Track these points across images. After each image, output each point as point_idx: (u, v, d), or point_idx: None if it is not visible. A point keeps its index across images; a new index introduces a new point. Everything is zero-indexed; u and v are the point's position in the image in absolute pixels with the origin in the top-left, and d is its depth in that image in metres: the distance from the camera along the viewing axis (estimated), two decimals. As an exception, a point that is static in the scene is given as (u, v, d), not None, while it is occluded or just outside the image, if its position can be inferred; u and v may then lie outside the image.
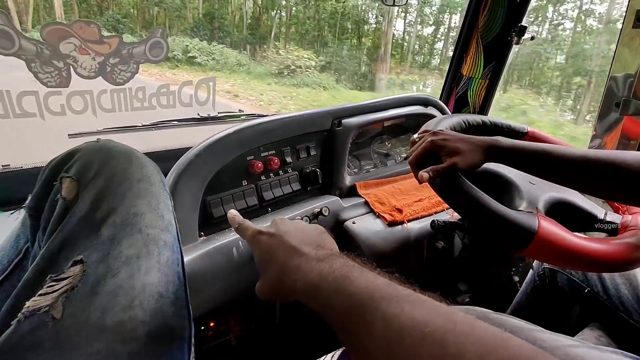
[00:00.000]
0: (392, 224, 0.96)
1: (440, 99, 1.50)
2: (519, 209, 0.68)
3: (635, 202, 0.66)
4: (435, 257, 1.01)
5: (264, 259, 0.51)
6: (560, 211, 0.74)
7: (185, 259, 0.74)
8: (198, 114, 1.28)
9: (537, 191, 0.75)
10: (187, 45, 8.38)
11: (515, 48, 1.32)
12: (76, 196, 0.51)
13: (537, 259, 0.98)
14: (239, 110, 1.37)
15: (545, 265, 1.01)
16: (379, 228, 0.95)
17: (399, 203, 1.01)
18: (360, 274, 0.39)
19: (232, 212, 0.60)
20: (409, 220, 0.97)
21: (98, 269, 0.45)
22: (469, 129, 0.84)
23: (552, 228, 0.61)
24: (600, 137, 1.15)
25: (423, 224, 0.97)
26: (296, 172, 0.99)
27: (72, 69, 0.97)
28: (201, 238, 0.82)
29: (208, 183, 0.82)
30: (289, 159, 0.96)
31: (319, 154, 1.03)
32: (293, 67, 8.54)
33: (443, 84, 1.49)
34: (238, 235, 0.81)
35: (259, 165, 0.90)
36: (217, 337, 0.90)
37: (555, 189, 0.76)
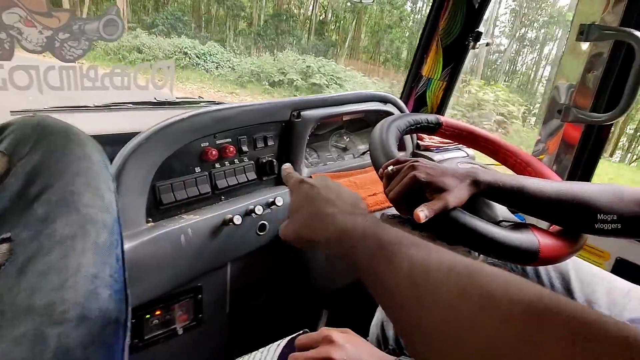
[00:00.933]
0: (345, 216, 0.98)
1: (400, 97, 1.54)
2: (499, 219, 0.69)
3: (602, 235, 0.69)
4: None
5: (299, 205, 0.54)
6: None
7: (130, 245, 0.73)
8: (155, 98, 1.25)
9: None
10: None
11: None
12: (7, 171, 0.49)
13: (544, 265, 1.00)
14: (199, 97, 1.34)
15: None
16: (332, 220, 0.97)
17: (353, 196, 1.03)
18: (391, 228, 0.42)
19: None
20: (361, 214, 0.99)
21: (28, 248, 0.43)
22: (403, 132, 0.90)
23: (550, 242, 0.63)
24: (544, 142, 1.22)
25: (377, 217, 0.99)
26: (252, 162, 0.98)
27: (15, 41, 0.91)
28: (148, 224, 0.80)
29: (158, 168, 0.80)
30: (245, 148, 0.96)
31: (276, 144, 1.03)
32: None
33: (404, 83, 1.52)
34: (187, 223, 0.81)
35: (214, 152, 0.89)
36: (162, 326, 0.89)
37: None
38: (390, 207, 1.03)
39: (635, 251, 1.08)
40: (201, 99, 1.31)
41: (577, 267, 0.89)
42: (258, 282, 1.10)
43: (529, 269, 0.94)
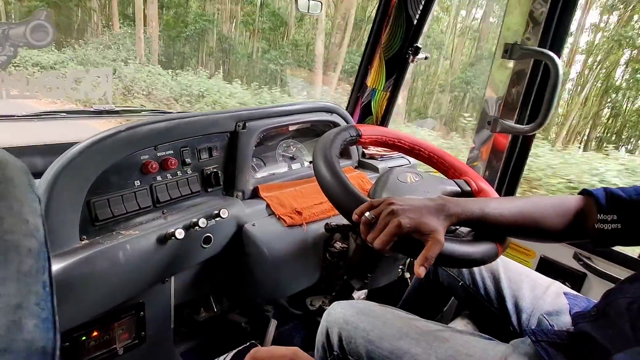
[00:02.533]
0: (291, 226, 0.99)
1: (347, 107, 1.58)
2: (463, 235, 0.78)
3: (548, 241, 0.80)
4: (333, 257, 1.06)
5: None
6: None
7: (61, 265, 0.69)
8: (92, 107, 1.19)
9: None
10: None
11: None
12: None
13: None
14: (141, 105, 1.30)
15: None
16: (278, 230, 0.98)
17: (300, 205, 1.05)
18: None
19: None
20: (307, 223, 1.01)
21: None
22: (344, 144, 0.94)
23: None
24: (478, 149, 1.31)
25: (321, 226, 1.02)
26: (196, 173, 0.97)
27: None
28: (82, 242, 0.76)
29: (93, 183, 0.77)
30: (188, 160, 0.94)
31: (221, 155, 1.02)
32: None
33: (350, 93, 1.57)
34: (126, 239, 0.78)
35: (154, 165, 0.87)
36: (100, 347, 0.85)
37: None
38: (335, 215, 1.06)
39: (556, 250, 1.20)
40: (143, 108, 1.27)
41: (506, 266, 0.97)
42: (204, 296, 1.08)
43: (465, 271, 1.01)
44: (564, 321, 0.82)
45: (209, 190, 0.99)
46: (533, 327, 0.83)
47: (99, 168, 0.77)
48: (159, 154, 0.89)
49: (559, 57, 1.05)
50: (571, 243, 1.16)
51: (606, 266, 1.11)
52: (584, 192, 0.73)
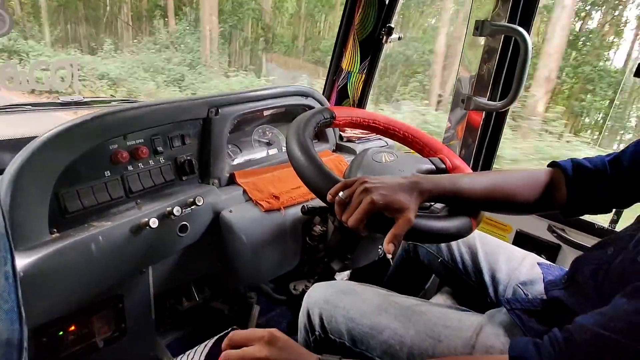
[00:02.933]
0: (269, 210, 0.99)
1: (323, 91, 1.57)
2: (438, 212, 0.77)
3: (520, 213, 0.80)
4: (312, 240, 1.07)
5: None
6: None
7: (31, 259, 0.68)
8: (59, 98, 1.15)
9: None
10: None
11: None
12: None
13: None
14: (111, 95, 1.27)
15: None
16: (255, 215, 0.97)
17: (277, 190, 1.05)
18: None
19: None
20: (285, 207, 1.01)
21: None
22: (314, 133, 0.91)
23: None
24: (453, 128, 1.33)
25: (299, 210, 1.01)
26: (169, 162, 0.95)
27: None
28: (53, 235, 0.74)
29: (61, 174, 0.75)
30: (160, 148, 0.92)
31: (195, 142, 1.00)
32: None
33: (326, 76, 1.56)
34: (98, 230, 0.77)
35: (125, 155, 0.85)
36: (80, 341, 0.84)
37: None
38: (313, 198, 1.06)
39: (531, 224, 1.23)
40: (113, 98, 1.24)
41: (483, 241, 0.99)
42: (185, 285, 1.08)
43: (444, 247, 1.03)
44: (538, 290, 0.85)
45: (184, 178, 0.98)
46: (509, 297, 0.86)
47: (66, 159, 0.75)
48: (129, 143, 0.87)
49: (529, 33, 1.06)
50: (545, 215, 1.20)
51: (578, 236, 1.15)
52: (553, 164, 0.74)
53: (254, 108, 1.09)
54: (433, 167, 0.92)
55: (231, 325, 0.82)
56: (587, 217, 1.14)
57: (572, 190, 0.70)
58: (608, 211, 0.73)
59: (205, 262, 1.06)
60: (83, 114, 0.82)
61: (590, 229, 1.12)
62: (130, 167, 0.88)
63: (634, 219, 0.65)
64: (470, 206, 0.74)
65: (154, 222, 0.81)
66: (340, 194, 0.66)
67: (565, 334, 0.45)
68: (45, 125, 1.15)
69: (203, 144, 1.01)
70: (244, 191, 1.03)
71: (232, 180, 1.06)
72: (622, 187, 0.68)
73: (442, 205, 0.83)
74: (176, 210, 0.86)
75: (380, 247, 1.14)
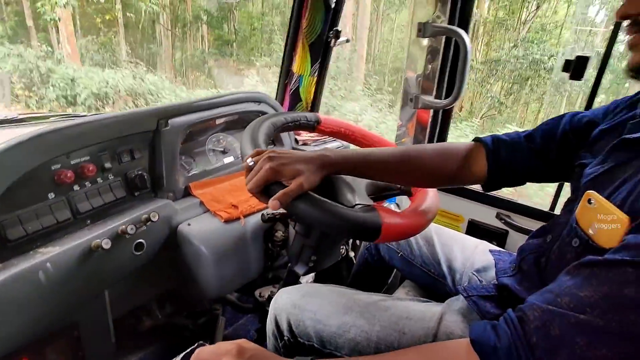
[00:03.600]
0: (228, 221, 0.98)
1: (276, 95, 1.57)
2: (357, 202, 0.74)
3: (436, 185, 0.83)
4: (275, 246, 1.07)
5: None
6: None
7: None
8: (-11, 117, 1.07)
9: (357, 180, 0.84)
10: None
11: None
12: None
13: (387, 242, 1.10)
14: (50, 110, 1.19)
15: None
16: (215, 227, 0.96)
17: (235, 199, 1.04)
18: None
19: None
20: (245, 216, 1.00)
21: None
22: (279, 129, 0.90)
23: (391, 218, 0.68)
24: (405, 126, 1.38)
25: (259, 218, 1.01)
26: (119, 178, 0.91)
27: None
28: None
29: None
30: (108, 165, 0.88)
31: (146, 156, 0.97)
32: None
33: (278, 81, 1.56)
34: (45, 257, 0.72)
35: (69, 174, 0.80)
36: (32, 376, 0.79)
37: None
38: (272, 205, 1.06)
39: (481, 213, 1.30)
40: (52, 113, 1.16)
41: (438, 232, 1.04)
42: (145, 304, 1.04)
43: (403, 242, 1.06)
44: (491, 275, 0.90)
45: (136, 194, 0.94)
46: (465, 285, 0.90)
47: (3, 184, 0.70)
48: (73, 162, 0.83)
49: (467, 33, 1.12)
50: (492, 204, 1.27)
51: (523, 221, 1.23)
52: (475, 140, 0.80)
53: (205, 117, 1.07)
54: None
55: (197, 340, 0.80)
56: (529, 203, 1.23)
57: (492, 162, 0.76)
58: (523, 183, 0.80)
59: (165, 278, 1.03)
60: (19, 132, 0.77)
61: (533, 213, 1.21)
62: (76, 187, 0.83)
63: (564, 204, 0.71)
64: (383, 177, 0.76)
65: (106, 243, 0.78)
66: (249, 160, 0.68)
67: (518, 313, 0.48)
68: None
69: (154, 157, 0.98)
70: (201, 203, 1.01)
71: (188, 193, 1.04)
72: (535, 162, 0.75)
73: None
74: (130, 229, 0.82)
75: (342, 247, 1.16)
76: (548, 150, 0.74)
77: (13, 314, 0.69)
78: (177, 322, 1.16)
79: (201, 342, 0.79)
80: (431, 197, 0.81)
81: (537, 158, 0.75)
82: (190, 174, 1.10)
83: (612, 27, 1.00)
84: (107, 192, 0.88)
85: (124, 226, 0.82)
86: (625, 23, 0.50)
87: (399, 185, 0.91)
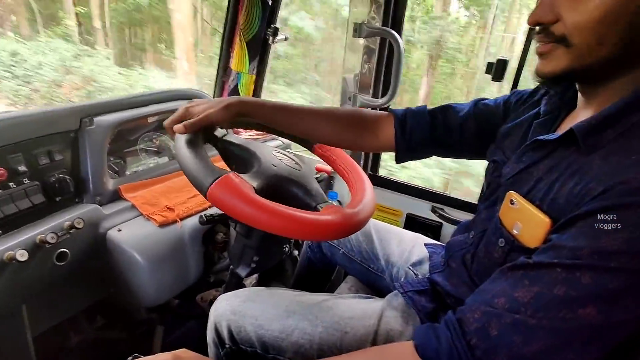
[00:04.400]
0: (163, 224, 0.93)
1: (214, 92, 1.52)
2: (314, 204, 0.75)
3: (343, 146, 0.88)
4: (215, 249, 1.03)
5: None
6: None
7: None
8: None
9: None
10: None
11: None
12: None
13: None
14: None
15: None
16: (149, 231, 0.91)
17: (171, 202, 0.99)
18: None
19: None
20: (182, 218, 0.96)
21: None
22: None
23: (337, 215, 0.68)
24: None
25: (197, 220, 0.97)
26: (37, 183, 0.83)
27: None
28: None
29: None
30: (22, 168, 0.80)
31: (68, 158, 0.89)
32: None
33: (215, 77, 1.51)
34: None
35: None
36: None
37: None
38: (211, 206, 1.03)
39: (418, 207, 1.36)
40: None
41: (376, 228, 1.06)
42: (70, 318, 0.95)
43: (344, 239, 1.08)
44: (426, 269, 0.93)
45: (57, 199, 0.86)
46: (401, 280, 0.93)
47: None
48: None
49: (400, 35, 1.16)
50: (428, 198, 1.34)
51: (455, 213, 1.31)
52: (389, 110, 0.86)
53: (136, 115, 1.00)
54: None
55: (132, 353, 0.75)
56: (461, 197, 1.32)
57: (398, 131, 0.81)
58: (429, 156, 0.87)
59: (94, 288, 0.95)
60: None
61: (463, 206, 1.29)
62: None
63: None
64: (293, 126, 0.80)
65: (21, 255, 0.70)
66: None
67: (459, 315, 0.50)
68: None
69: (77, 159, 0.90)
70: (133, 206, 0.95)
71: (117, 196, 0.97)
72: (436, 136, 0.81)
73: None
74: (50, 237, 0.75)
75: (285, 246, 1.15)
76: (450, 128, 0.80)
77: None
78: (109, 335, 1.09)
79: (136, 354, 0.74)
80: (370, 192, 0.83)
81: (437, 132, 0.81)
82: (120, 176, 1.03)
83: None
84: (21, 199, 0.79)
85: (42, 235, 0.75)
86: (537, 29, 0.53)
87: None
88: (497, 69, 1.09)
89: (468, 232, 0.73)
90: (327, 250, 1.14)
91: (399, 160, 0.85)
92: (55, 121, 0.85)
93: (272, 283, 1.36)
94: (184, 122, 0.68)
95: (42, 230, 0.78)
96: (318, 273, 1.25)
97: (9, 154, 0.78)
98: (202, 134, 0.71)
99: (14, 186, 0.79)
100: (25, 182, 0.81)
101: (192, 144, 0.66)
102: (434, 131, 0.81)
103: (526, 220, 0.52)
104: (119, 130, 0.99)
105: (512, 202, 0.55)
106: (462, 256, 0.71)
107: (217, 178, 0.59)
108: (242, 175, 0.71)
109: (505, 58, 1.07)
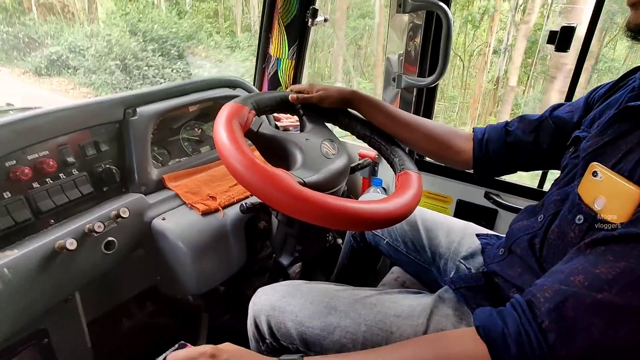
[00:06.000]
0: (206, 213, 0.92)
1: (254, 79, 1.51)
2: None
3: (431, 154, 0.90)
4: (257, 238, 1.02)
5: None
6: None
7: None
8: None
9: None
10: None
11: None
12: None
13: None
14: (7, 104, 1.11)
15: None
16: (192, 220, 0.90)
17: (213, 190, 0.98)
18: None
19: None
20: (224, 207, 0.95)
21: None
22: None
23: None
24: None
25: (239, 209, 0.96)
26: (84, 173, 0.85)
27: None
28: None
29: None
30: (71, 159, 0.82)
31: (113, 148, 0.90)
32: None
33: (254, 65, 1.49)
34: (2, 262, 0.66)
35: (26, 171, 0.74)
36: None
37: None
38: (250, 196, 1.01)
39: (469, 193, 1.27)
40: (10, 106, 1.08)
41: (423, 217, 1.00)
42: (123, 303, 0.98)
43: (389, 229, 1.02)
44: (480, 262, 0.85)
45: (104, 189, 0.88)
46: (452, 275, 0.86)
47: None
48: (30, 158, 0.76)
49: (449, 7, 1.07)
50: (481, 183, 1.24)
51: (512, 199, 1.21)
52: (473, 130, 0.85)
53: (178, 104, 1.00)
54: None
55: (180, 339, 0.75)
56: (517, 181, 1.21)
57: (477, 149, 0.82)
58: (513, 172, 0.84)
59: (143, 276, 0.97)
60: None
61: (521, 191, 1.18)
62: (35, 185, 0.77)
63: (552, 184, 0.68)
64: (399, 132, 0.88)
65: (71, 244, 0.72)
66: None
67: (527, 297, 0.45)
68: None
69: (123, 149, 0.91)
70: (177, 195, 0.95)
71: (161, 186, 0.98)
72: (516, 151, 0.79)
73: None
74: (98, 227, 0.77)
75: (328, 234, 1.12)
76: (524, 131, 0.78)
77: None
78: (158, 321, 1.12)
79: (182, 342, 0.74)
80: (417, 181, 0.78)
81: (510, 138, 0.79)
82: (163, 166, 1.04)
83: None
84: (71, 189, 0.82)
85: (90, 224, 0.76)
86: None
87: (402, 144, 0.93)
88: (561, 38, 0.97)
89: (535, 216, 0.65)
90: (370, 240, 1.10)
91: (477, 173, 0.85)
92: (101, 112, 0.87)
93: (316, 273, 1.34)
94: (299, 95, 0.86)
95: (90, 219, 0.79)
96: (361, 263, 1.20)
97: (59, 145, 0.80)
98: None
99: (64, 177, 0.81)
100: (74, 173, 0.83)
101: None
102: (507, 136, 0.79)
103: (612, 194, 0.45)
104: (161, 119, 0.99)
105: (594, 174, 0.48)
106: (528, 240, 0.63)
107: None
108: (292, 172, 0.71)
109: (572, 24, 0.95)
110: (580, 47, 1.00)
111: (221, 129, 0.67)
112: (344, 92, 0.86)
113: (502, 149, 0.79)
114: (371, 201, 0.67)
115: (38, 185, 0.77)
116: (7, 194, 0.73)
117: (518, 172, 0.85)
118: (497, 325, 0.44)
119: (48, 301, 0.75)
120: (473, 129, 0.85)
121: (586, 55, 0.98)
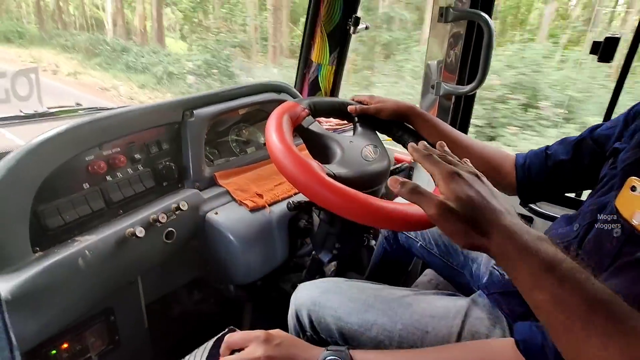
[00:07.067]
0: (254, 209, 0.99)
1: (295, 84, 1.57)
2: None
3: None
4: (299, 235, 1.08)
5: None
6: None
7: (18, 281, 0.66)
8: (21, 111, 1.10)
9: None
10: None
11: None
12: None
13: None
14: (77, 104, 1.22)
15: None
16: (241, 215, 0.98)
17: (260, 188, 1.05)
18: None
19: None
20: (270, 204, 1.02)
21: None
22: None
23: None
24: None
25: (284, 206, 1.02)
26: (148, 169, 0.94)
27: None
28: (36, 254, 0.72)
29: (38, 191, 0.72)
30: (137, 156, 0.91)
31: (173, 147, 0.99)
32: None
33: (296, 70, 1.56)
34: (83, 245, 0.75)
35: (102, 165, 0.83)
36: (74, 358, 0.82)
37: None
38: (297, 193, 1.07)
39: (505, 199, 1.28)
40: (79, 106, 1.19)
41: None
42: (175, 290, 1.07)
43: (423, 231, 1.06)
44: None
45: (164, 184, 0.97)
46: (485, 279, 0.88)
47: (41, 175, 0.72)
48: (105, 153, 0.85)
49: (490, 17, 1.10)
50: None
51: (549, 207, 1.22)
52: (516, 155, 0.84)
53: (229, 107, 1.08)
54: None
55: (225, 325, 0.82)
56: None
57: (520, 175, 0.81)
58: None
59: (194, 266, 1.05)
60: (48, 126, 0.79)
61: (559, 199, 1.19)
62: (108, 178, 0.86)
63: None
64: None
65: (140, 232, 0.80)
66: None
67: None
68: (7, 141, 1.10)
69: (180, 148, 1.00)
70: (226, 192, 1.03)
71: (213, 182, 1.05)
72: (559, 174, 0.78)
73: None
74: (161, 217, 0.85)
75: (365, 235, 1.17)
76: (564, 151, 0.78)
77: (55, 299, 0.72)
78: (205, 309, 1.20)
79: (232, 327, 0.81)
80: None
81: (550, 161, 0.79)
82: (214, 164, 1.12)
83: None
84: (137, 183, 0.90)
85: (155, 215, 0.85)
86: None
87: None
88: (605, 49, 0.98)
89: (571, 225, 0.67)
90: (404, 242, 1.13)
91: (522, 197, 0.84)
92: (163, 114, 0.95)
93: (349, 272, 1.39)
94: (357, 106, 0.90)
95: (155, 210, 0.87)
96: (393, 264, 1.24)
97: (128, 143, 0.89)
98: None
99: (131, 172, 0.90)
100: (140, 169, 0.92)
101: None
102: (548, 159, 0.79)
103: (653, 209, 0.47)
104: (213, 121, 1.07)
105: (632, 189, 0.50)
106: (565, 248, 0.66)
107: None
108: (326, 165, 0.76)
109: (615, 35, 0.96)
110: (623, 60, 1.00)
111: (272, 118, 0.77)
112: (401, 106, 0.88)
113: (543, 172, 0.79)
114: (397, 203, 0.69)
115: (110, 178, 0.86)
116: (86, 185, 0.82)
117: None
118: (537, 338, 0.47)
119: (117, 282, 0.84)
120: (516, 154, 0.85)
121: (628, 69, 0.98)
